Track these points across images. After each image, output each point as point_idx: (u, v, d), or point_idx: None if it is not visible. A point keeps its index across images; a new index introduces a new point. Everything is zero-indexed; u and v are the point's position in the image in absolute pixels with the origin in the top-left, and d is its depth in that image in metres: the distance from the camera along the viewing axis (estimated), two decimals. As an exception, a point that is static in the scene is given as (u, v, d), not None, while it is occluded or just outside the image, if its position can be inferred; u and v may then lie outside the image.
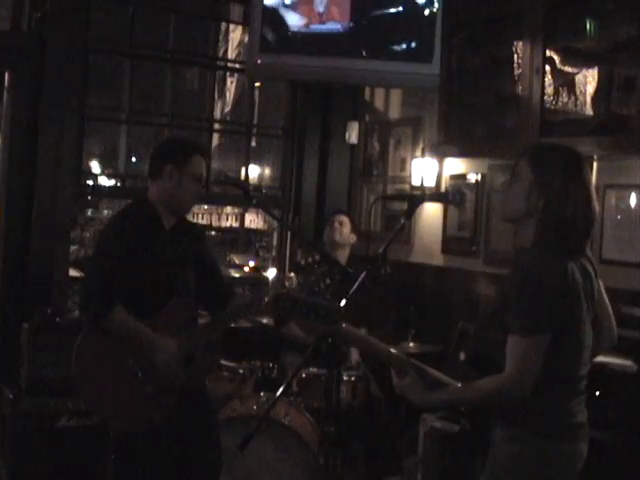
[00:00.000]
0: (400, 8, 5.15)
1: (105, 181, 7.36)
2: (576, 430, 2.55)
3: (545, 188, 2.55)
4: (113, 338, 3.43)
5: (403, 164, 5.95)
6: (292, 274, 3.96)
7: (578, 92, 4.55)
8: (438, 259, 5.59)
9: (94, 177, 7.85)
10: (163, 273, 3.54)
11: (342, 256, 5.15)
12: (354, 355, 4.92)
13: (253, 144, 6.63)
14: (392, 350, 2.71)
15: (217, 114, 10.14)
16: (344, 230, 5.23)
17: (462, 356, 2.68)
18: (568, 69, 4.63)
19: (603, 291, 2.69)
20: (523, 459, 2.51)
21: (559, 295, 2.45)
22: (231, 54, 10.73)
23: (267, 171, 10.69)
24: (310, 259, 5.11)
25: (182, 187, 3.54)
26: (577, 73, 4.57)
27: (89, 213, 13.42)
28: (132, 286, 3.45)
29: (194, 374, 3.63)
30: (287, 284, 3.61)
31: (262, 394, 4.41)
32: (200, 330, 3.71)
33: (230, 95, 12.35)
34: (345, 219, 5.28)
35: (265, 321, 4.87)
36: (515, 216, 2.67)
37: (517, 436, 2.51)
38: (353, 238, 5.28)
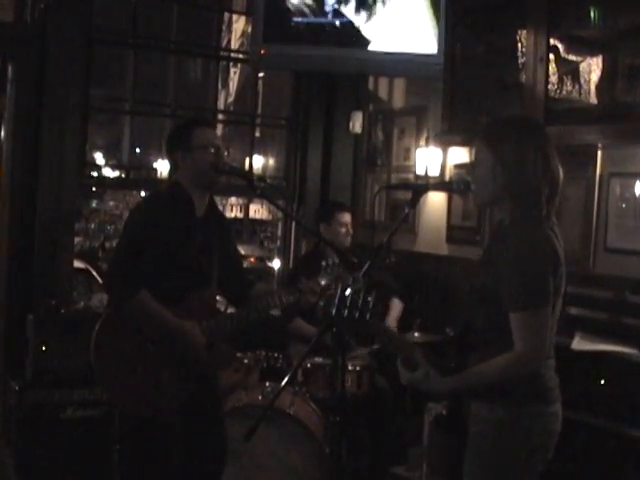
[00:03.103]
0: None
1: (109, 172, 7.37)
2: (550, 392, 2.60)
3: (504, 162, 2.56)
4: (134, 322, 3.45)
5: (407, 153, 5.93)
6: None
7: (582, 80, 4.54)
8: (442, 248, 5.58)
9: (98, 168, 7.88)
10: (191, 261, 3.55)
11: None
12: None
13: (257, 134, 6.62)
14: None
15: (221, 104, 10.17)
16: (349, 231, 5.17)
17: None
18: (572, 57, 4.61)
19: None
20: (504, 426, 2.53)
21: (552, 266, 2.50)
22: (234, 44, 10.75)
23: (271, 161, 10.72)
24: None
25: (196, 163, 3.56)
26: (581, 61, 4.55)
27: (93, 204, 13.52)
28: (158, 271, 3.45)
29: (211, 364, 3.64)
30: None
31: (267, 384, 4.42)
32: (222, 321, 3.67)
33: (233, 85, 12.39)
34: (348, 218, 5.18)
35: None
36: (488, 200, 2.70)
37: (495, 406, 2.54)
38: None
